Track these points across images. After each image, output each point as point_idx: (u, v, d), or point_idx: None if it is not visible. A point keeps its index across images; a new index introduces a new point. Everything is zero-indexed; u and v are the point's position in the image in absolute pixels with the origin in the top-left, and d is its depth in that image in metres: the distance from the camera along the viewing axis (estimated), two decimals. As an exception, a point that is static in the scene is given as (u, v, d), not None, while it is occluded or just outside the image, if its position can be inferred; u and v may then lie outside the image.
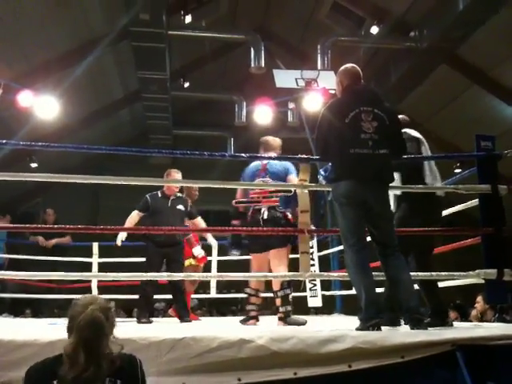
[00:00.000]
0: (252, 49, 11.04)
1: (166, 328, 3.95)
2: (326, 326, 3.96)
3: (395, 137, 3.62)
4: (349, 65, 3.87)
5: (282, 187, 4.58)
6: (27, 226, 4.96)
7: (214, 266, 7.21)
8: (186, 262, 5.98)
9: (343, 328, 3.52)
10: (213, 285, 7.32)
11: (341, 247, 7.09)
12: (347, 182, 3.47)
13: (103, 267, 7.13)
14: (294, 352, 2.88)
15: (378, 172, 3.49)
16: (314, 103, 9.53)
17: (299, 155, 4.05)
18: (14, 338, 2.89)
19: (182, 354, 2.85)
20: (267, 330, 3.47)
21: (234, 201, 4.89)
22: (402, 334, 3.21)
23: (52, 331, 3.33)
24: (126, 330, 3.16)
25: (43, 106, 7.80)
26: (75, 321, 2.12)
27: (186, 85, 14.04)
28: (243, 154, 4.18)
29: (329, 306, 7.81)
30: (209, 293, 7.57)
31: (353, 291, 6.45)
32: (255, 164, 4.95)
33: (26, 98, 7.61)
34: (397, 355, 2.88)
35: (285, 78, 10.27)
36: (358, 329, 3.31)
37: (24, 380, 2.12)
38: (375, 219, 3.52)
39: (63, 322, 5.53)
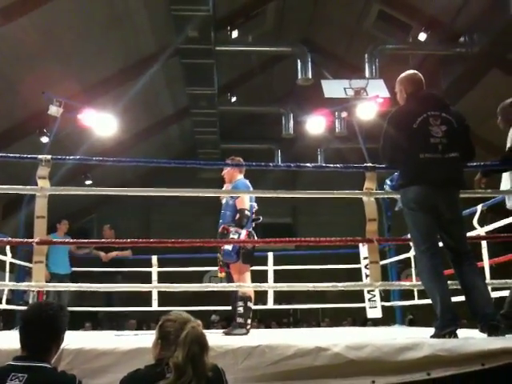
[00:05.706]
0: (299, 61, 11.10)
1: (239, 336, 3.97)
2: (397, 335, 3.88)
3: (465, 140, 3.57)
4: (411, 71, 3.85)
5: (347, 195, 4.48)
6: (93, 241, 5.01)
7: (271, 276, 7.18)
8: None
9: (417, 336, 3.45)
10: (270, 295, 7.25)
11: (399, 257, 6.99)
12: (417, 187, 3.41)
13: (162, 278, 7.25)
14: (370, 360, 2.84)
15: (448, 176, 3.43)
16: (367, 112, 9.49)
17: (365, 164, 4.01)
18: (94, 347, 2.95)
19: (258, 361, 2.85)
20: (342, 337, 3.44)
21: (245, 209, 4.67)
22: (481, 341, 3.11)
23: (125, 342, 3.40)
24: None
25: (102, 124, 7.93)
26: (171, 335, 2.21)
27: (233, 99, 14.24)
28: (308, 164, 4.18)
29: (386, 318, 7.64)
30: (262, 304, 7.50)
31: (414, 301, 6.41)
32: (248, 185, 4.93)
33: (88, 116, 7.68)
34: (477, 363, 2.80)
35: (333, 88, 10.29)
36: (433, 336, 3.24)
37: None
38: (446, 225, 3.44)
39: (128, 334, 5.62)
